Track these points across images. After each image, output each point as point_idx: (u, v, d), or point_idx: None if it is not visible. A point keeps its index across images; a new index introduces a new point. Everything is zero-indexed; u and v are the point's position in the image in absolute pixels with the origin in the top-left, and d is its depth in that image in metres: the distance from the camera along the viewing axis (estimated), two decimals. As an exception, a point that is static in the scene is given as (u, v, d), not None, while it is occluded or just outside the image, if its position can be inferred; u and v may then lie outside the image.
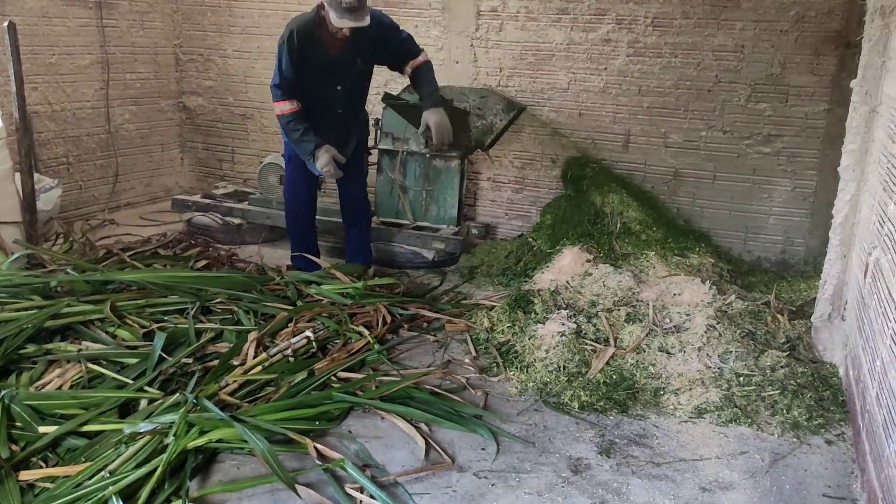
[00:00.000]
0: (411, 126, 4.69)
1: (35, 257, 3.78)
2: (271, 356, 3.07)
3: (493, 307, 3.78)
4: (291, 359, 3.10)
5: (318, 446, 2.52)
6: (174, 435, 2.39)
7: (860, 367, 2.66)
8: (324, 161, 3.85)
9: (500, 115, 4.76)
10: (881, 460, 2.14)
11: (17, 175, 4.00)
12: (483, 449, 2.64)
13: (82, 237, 4.42)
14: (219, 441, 2.49)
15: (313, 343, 3.23)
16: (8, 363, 2.87)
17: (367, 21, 3.60)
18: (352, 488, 2.33)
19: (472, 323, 3.67)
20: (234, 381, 2.84)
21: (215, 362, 2.98)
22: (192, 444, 2.41)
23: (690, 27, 4.46)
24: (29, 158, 4.00)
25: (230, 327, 3.33)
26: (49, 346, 3.04)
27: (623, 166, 4.83)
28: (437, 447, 2.62)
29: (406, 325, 3.66)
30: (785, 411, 2.87)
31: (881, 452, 2.14)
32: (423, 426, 2.75)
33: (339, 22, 3.56)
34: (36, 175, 4.20)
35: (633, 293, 3.72)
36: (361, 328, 3.47)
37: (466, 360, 3.35)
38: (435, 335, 3.59)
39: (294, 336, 3.25)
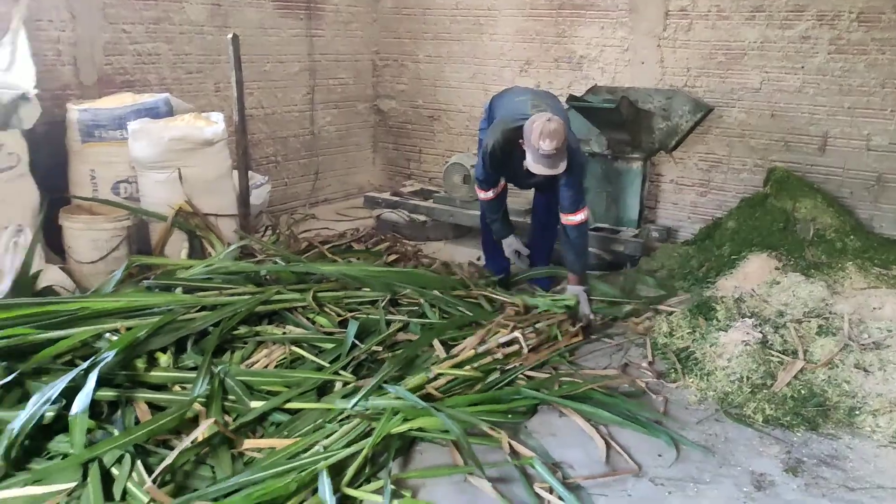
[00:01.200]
0: (594, 127, 4.72)
1: (247, 247, 4.21)
2: (478, 353, 3.18)
3: (672, 312, 3.74)
4: (500, 356, 3.20)
5: (512, 442, 2.63)
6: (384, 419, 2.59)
7: None
8: (508, 251, 4.11)
9: (685, 116, 4.66)
10: None
11: (235, 173, 4.47)
12: (660, 455, 2.64)
13: (287, 230, 4.86)
14: (418, 429, 2.65)
15: (523, 347, 3.26)
16: (223, 342, 3.17)
17: (561, 168, 3.49)
18: (540, 487, 2.41)
19: (650, 327, 3.65)
20: (441, 375, 2.96)
21: (400, 352, 3.16)
22: (395, 430, 2.58)
23: (904, 21, 4.13)
24: (245, 157, 4.47)
25: (416, 320, 3.54)
26: (258, 328, 3.35)
27: (818, 170, 4.55)
28: (621, 450, 2.65)
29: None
30: None
31: None
32: (601, 428, 2.79)
33: (535, 168, 3.50)
34: (249, 172, 4.68)
35: (826, 304, 3.53)
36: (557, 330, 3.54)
37: (644, 365, 3.35)
38: (612, 339, 3.61)
39: (504, 336, 3.32)
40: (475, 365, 3.09)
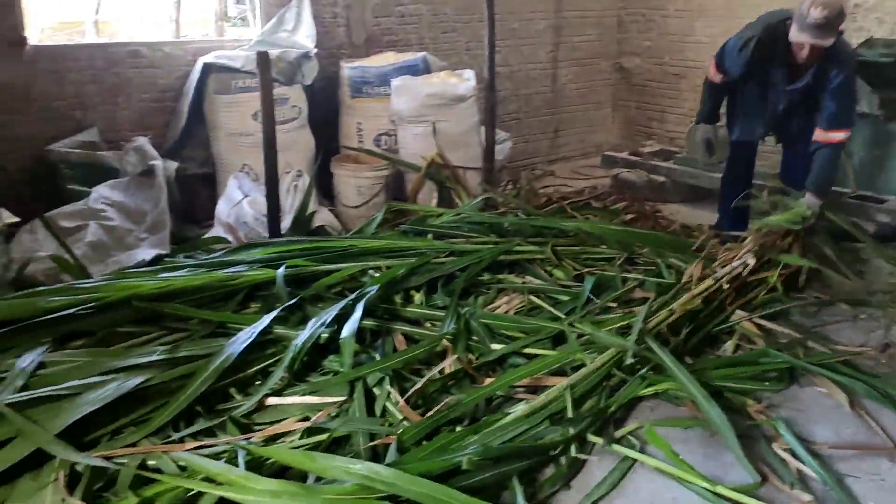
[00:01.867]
0: (865, 85, 4.31)
1: (491, 200, 4.43)
2: (717, 280, 3.18)
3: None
4: (726, 286, 3.19)
5: (755, 405, 2.59)
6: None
7: None
8: (697, 138, 4.00)
9: None
10: None
11: (481, 128, 4.70)
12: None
13: (528, 185, 5.03)
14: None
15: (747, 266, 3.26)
16: (469, 286, 3.39)
17: (829, 41, 3.29)
18: (782, 449, 2.35)
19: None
20: (679, 309, 2.98)
21: (638, 308, 3.18)
22: (641, 392, 2.62)
23: None
24: (492, 114, 4.66)
25: (652, 279, 3.53)
26: (500, 276, 3.55)
27: None
28: (880, 430, 2.50)
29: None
30: None
31: None
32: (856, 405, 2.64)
33: (798, 36, 3.32)
34: (495, 128, 4.88)
35: None
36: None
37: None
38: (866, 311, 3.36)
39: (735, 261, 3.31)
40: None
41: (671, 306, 3.01)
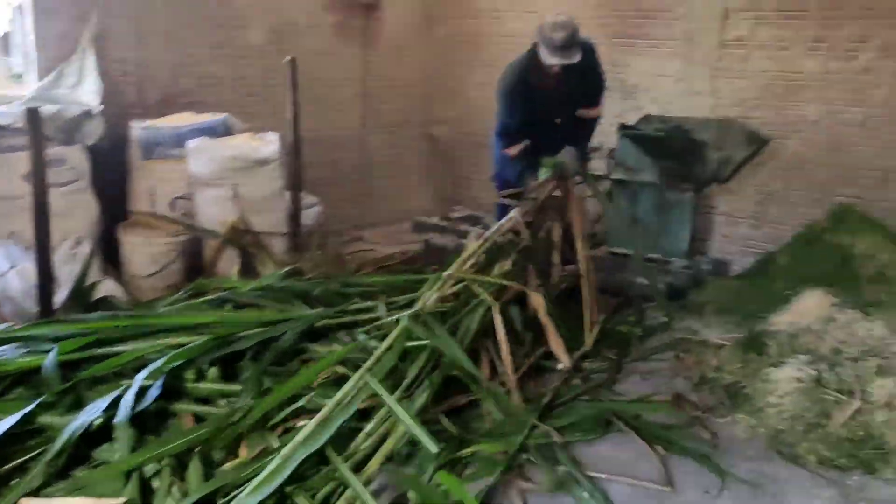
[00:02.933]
0: (645, 156, 4.68)
1: (298, 267, 4.26)
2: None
3: (722, 346, 3.65)
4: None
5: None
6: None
7: None
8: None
9: (739, 147, 4.59)
10: None
11: (287, 193, 4.55)
12: (707, 492, 2.57)
13: (336, 251, 4.92)
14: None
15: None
16: (275, 359, 3.19)
17: (576, 58, 3.80)
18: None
19: (698, 360, 3.57)
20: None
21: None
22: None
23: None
24: (297, 178, 4.54)
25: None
26: (309, 345, 3.36)
27: (881, 205, 4.42)
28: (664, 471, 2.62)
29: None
30: None
31: None
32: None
33: (550, 60, 3.80)
34: (301, 193, 4.76)
35: (886, 344, 3.40)
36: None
37: (693, 398, 3.27)
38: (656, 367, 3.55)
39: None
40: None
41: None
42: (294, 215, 4.52)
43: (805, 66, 4.54)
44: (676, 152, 4.49)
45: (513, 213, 3.85)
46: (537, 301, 3.50)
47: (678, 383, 3.43)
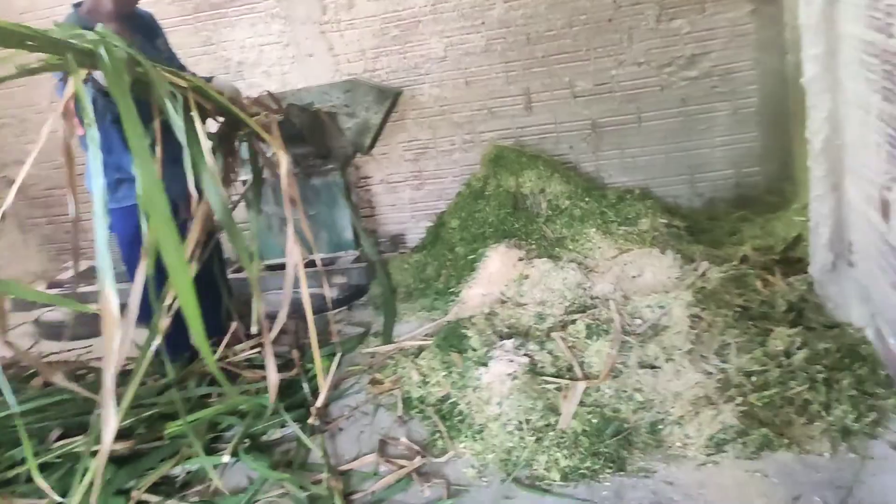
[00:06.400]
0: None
1: None
2: None
3: (420, 350, 2.97)
4: None
5: None
6: None
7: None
8: None
9: (372, 107, 3.90)
10: None
11: None
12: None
13: None
14: None
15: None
16: None
17: None
18: None
19: (398, 379, 2.86)
20: None
21: None
22: None
23: (570, -50, 3.70)
24: None
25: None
26: None
27: (531, 132, 4.05)
28: None
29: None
30: (823, 412, 2.17)
31: None
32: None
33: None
34: None
35: (585, 289, 2.97)
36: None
37: (403, 439, 2.53)
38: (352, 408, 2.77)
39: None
40: None
41: None
42: None
43: (412, 0, 3.97)
44: (302, 133, 3.66)
45: None
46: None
47: (382, 420, 2.68)
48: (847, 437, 2.08)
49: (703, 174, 3.91)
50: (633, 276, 3.01)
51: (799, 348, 2.38)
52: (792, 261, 2.99)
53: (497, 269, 3.28)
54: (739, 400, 2.23)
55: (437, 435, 2.49)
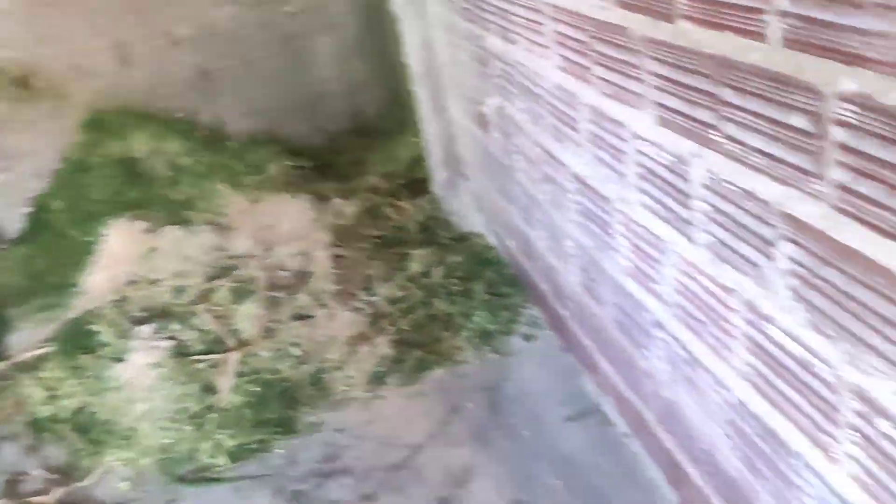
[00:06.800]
0: None
1: None
2: None
3: (42, 360, 2.53)
4: None
5: None
6: None
7: (529, 242, 2.14)
8: None
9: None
10: (624, 362, 1.63)
11: None
12: None
13: None
14: None
15: None
16: None
17: None
18: None
19: (21, 402, 2.40)
20: None
21: None
22: None
23: None
24: None
25: None
26: None
27: (133, 87, 3.60)
28: None
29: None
30: (465, 322, 2.30)
31: (621, 352, 1.64)
32: None
33: None
34: None
35: (224, 251, 2.77)
36: None
37: (36, 471, 2.14)
38: None
39: None
40: None
41: None
42: None
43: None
44: None
45: None
46: None
47: (6, 455, 2.24)
48: (488, 340, 2.24)
49: (320, 110, 3.87)
50: (271, 227, 2.89)
51: (435, 266, 2.48)
52: (417, 182, 3.11)
53: (120, 247, 2.90)
54: (391, 329, 2.27)
55: (80, 454, 2.16)
